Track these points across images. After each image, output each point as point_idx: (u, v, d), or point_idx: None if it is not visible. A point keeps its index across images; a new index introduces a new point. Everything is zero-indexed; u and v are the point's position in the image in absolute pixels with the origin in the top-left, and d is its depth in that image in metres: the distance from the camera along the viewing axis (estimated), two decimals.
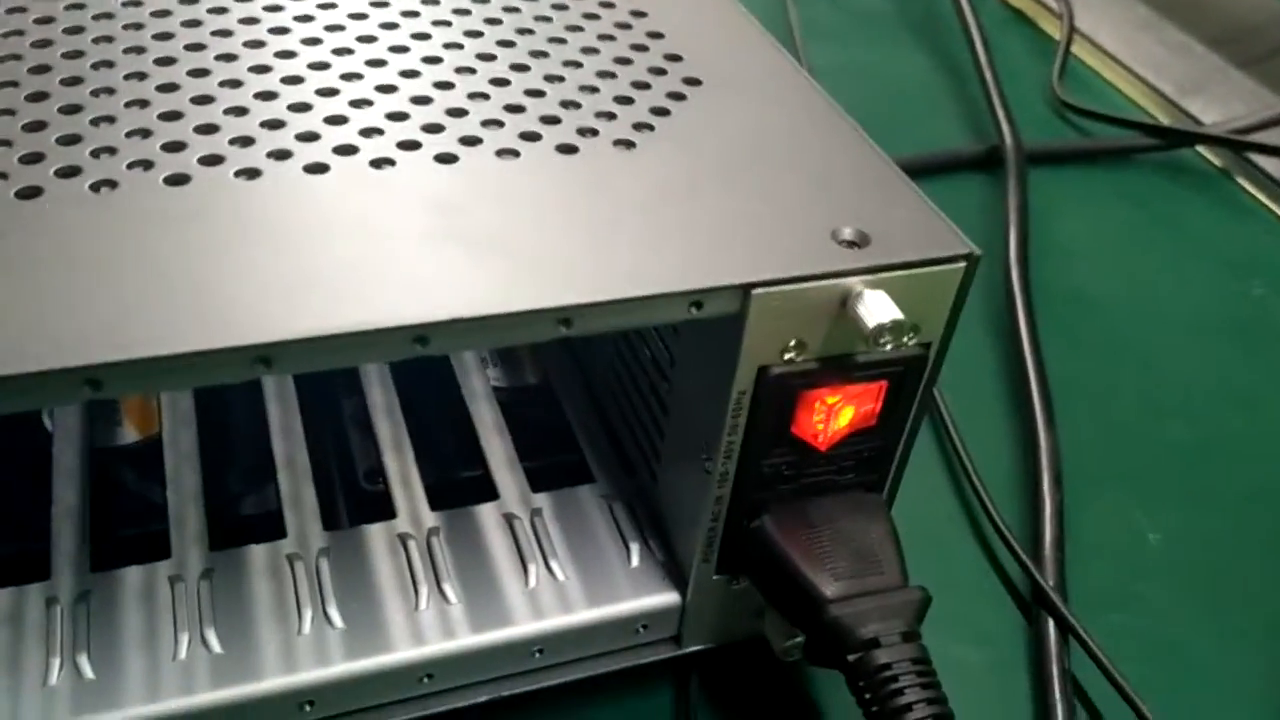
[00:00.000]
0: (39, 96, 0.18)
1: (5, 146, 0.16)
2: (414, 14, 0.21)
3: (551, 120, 0.18)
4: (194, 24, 0.20)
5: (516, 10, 0.22)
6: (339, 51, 0.20)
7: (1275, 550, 0.25)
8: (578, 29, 0.21)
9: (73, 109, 0.17)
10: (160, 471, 0.20)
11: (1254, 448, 0.27)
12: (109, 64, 0.19)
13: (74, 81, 0.18)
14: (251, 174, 0.16)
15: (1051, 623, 0.22)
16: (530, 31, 0.21)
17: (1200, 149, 0.38)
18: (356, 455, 0.22)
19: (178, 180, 0.16)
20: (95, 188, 0.16)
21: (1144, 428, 0.28)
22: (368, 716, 0.18)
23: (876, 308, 0.16)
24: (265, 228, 0.15)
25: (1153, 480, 0.26)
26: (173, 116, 0.17)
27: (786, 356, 0.16)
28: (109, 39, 0.19)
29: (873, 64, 0.41)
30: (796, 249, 0.16)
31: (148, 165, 0.16)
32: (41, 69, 0.18)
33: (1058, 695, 0.21)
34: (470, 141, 0.18)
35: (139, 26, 0.20)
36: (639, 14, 0.22)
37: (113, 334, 0.13)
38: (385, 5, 0.21)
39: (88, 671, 0.17)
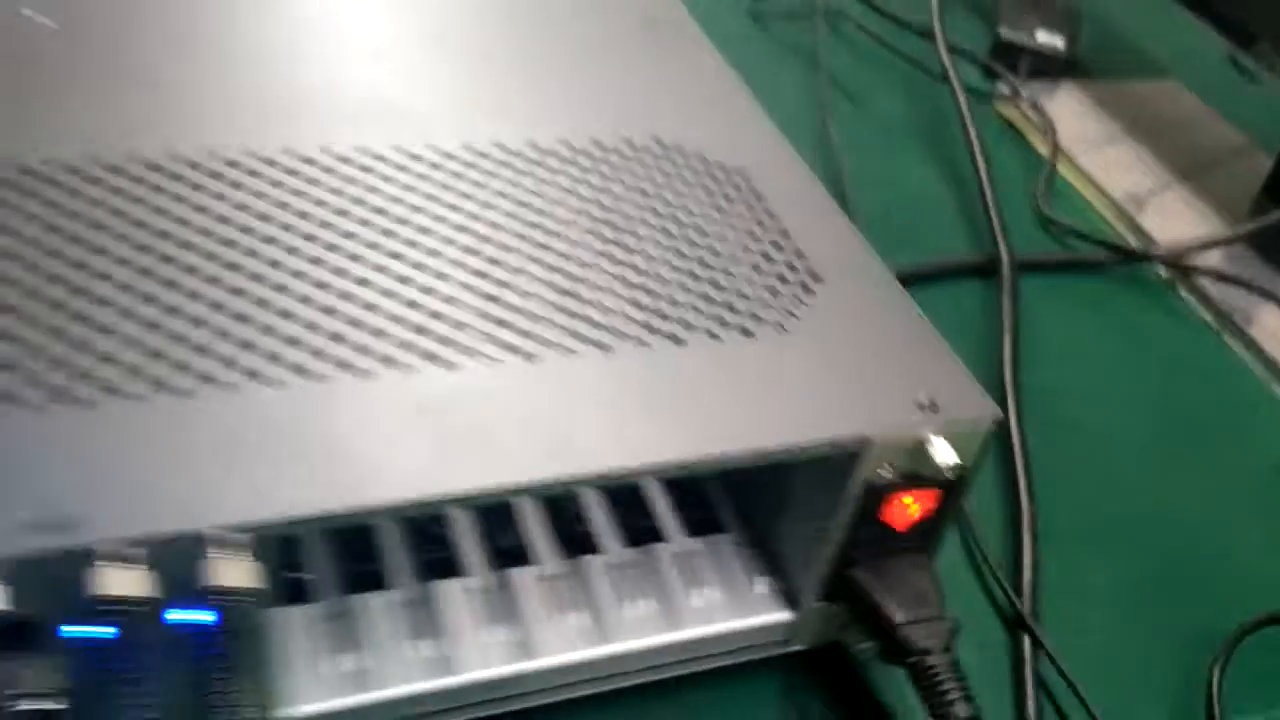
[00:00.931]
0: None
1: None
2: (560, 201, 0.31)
3: (719, 311, 0.28)
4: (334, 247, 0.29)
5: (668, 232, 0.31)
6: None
7: (1190, 583, 0.35)
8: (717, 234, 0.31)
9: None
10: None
11: (1179, 515, 0.38)
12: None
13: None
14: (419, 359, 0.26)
15: (1027, 639, 0.32)
16: (671, 237, 0.31)
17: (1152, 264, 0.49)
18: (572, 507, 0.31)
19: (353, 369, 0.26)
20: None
21: (1098, 495, 0.38)
22: (601, 683, 0.28)
23: (943, 452, 0.26)
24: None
25: (1102, 538, 0.37)
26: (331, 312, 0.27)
27: (881, 473, 0.26)
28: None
29: (888, 174, 0.51)
30: (897, 411, 0.26)
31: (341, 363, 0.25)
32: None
33: (1030, 694, 0.31)
34: (649, 329, 0.27)
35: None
36: (762, 201, 0.32)
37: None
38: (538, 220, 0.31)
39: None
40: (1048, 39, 0.58)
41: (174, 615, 0.21)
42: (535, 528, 0.30)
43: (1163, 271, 0.49)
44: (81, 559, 0.20)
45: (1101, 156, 0.55)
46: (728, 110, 0.36)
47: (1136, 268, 0.49)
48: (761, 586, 0.30)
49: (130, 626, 0.20)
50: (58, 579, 0.20)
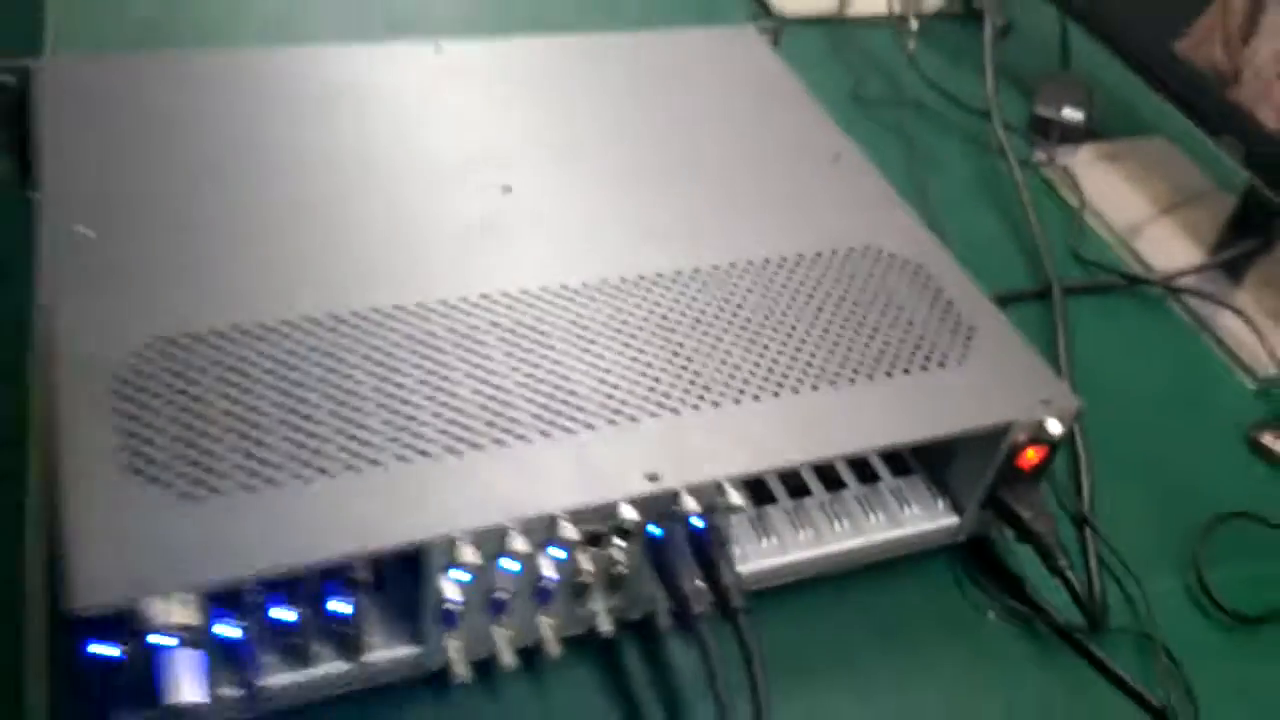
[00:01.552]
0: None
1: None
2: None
3: (925, 353, 0.50)
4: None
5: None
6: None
7: (1183, 494, 0.57)
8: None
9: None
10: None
11: (1172, 452, 0.60)
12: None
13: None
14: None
15: (1089, 530, 0.54)
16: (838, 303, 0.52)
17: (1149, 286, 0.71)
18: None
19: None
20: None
21: (1120, 439, 0.60)
22: (855, 563, 0.50)
23: (1053, 426, 0.48)
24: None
25: (1124, 468, 0.59)
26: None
27: (1017, 438, 0.48)
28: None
29: (962, 221, 0.71)
30: (1027, 404, 0.48)
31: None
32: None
33: (1093, 566, 0.53)
34: (888, 369, 0.49)
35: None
36: (932, 281, 0.53)
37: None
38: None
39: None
40: (1072, 114, 0.79)
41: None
42: (811, 478, 0.52)
43: (1158, 290, 0.71)
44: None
45: (1110, 200, 0.76)
46: (899, 221, 0.57)
47: (1141, 288, 0.70)
48: (942, 504, 0.52)
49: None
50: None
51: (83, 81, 0.54)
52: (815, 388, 0.47)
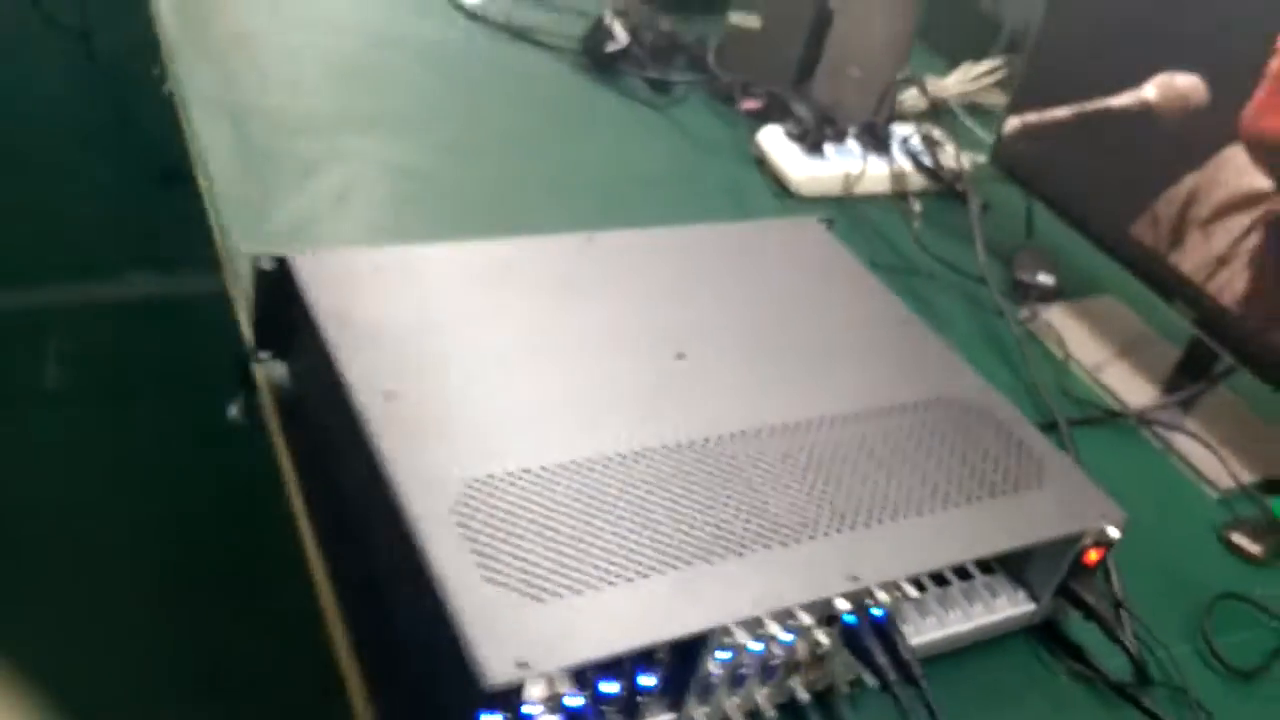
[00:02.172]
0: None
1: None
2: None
3: (1009, 485, 0.66)
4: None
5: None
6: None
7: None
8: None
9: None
10: None
11: (1150, 542, 0.77)
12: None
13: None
14: None
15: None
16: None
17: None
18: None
19: None
20: None
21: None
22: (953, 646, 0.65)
23: (1112, 532, 0.64)
24: None
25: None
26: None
27: (1084, 543, 0.64)
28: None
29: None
30: (1090, 517, 0.64)
31: None
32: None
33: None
34: (968, 496, 0.65)
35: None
36: (1004, 426, 0.69)
37: None
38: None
39: None
40: (1045, 278, 0.99)
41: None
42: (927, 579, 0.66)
43: (1132, 422, 0.89)
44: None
45: (1082, 348, 0.95)
46: (964, 374, 0.73)
47: (1119, 420, 0.89)
48: (1022, 594, 0.67)
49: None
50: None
51: (331, 270, 0.67)
52: (945, 508, 0.62)
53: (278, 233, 0.84)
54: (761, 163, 1.09)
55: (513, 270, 0.72)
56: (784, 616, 0.54)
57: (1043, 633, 0.68)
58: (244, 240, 0.82)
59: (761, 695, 0.57)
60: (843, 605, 0.56)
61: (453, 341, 0.64)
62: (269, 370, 0.71)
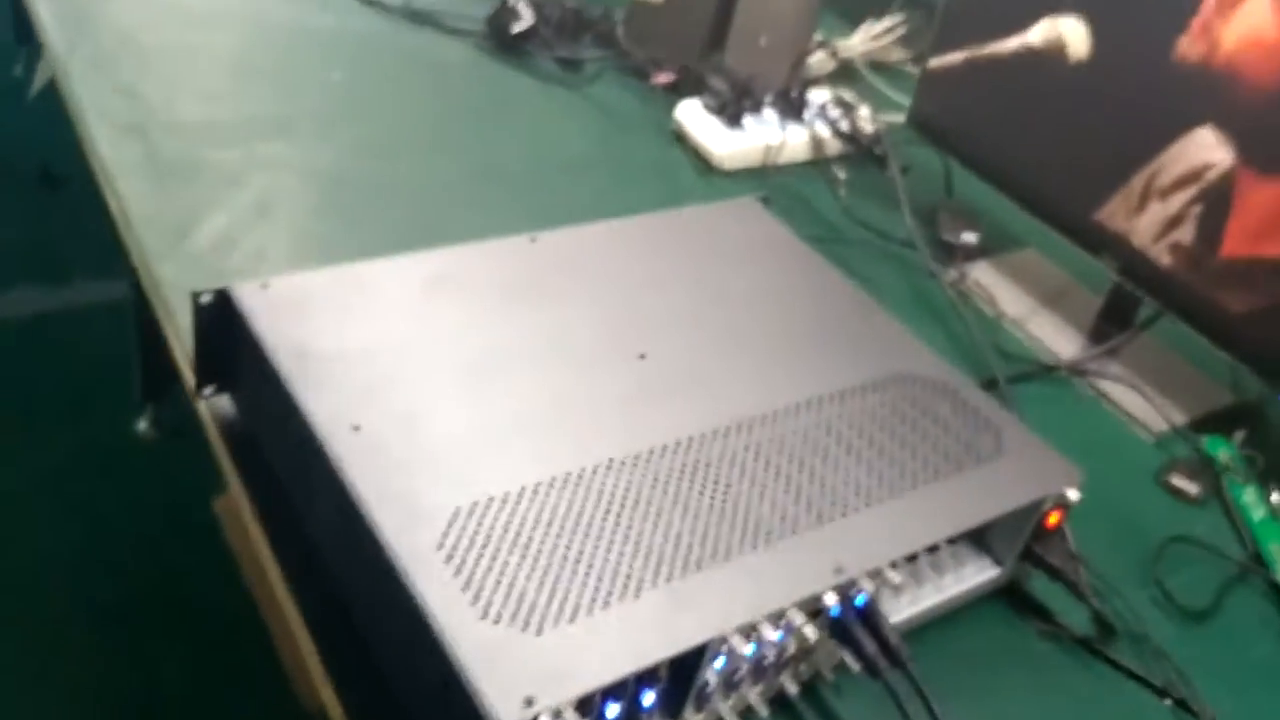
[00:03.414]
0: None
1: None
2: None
3: (968, 454, 0.67)
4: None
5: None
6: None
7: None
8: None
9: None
10: None
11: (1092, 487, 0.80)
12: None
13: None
14: None
15: None
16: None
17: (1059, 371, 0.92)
18: None
19: None
20: None
21: None
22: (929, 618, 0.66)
23: (1073, 494, 0.66)
24: None
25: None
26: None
27: (1044, 508, 0.66)
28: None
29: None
30: (1051, 483, 0.66)
31: None
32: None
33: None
34: (934, 468, 0.66)
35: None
36: (959, 395, 0.71)
37: None
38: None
39: None
40: (969, 236, 1.01)
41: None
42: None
43: (1064, 373, 0.92)
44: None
45: (1009, 304, 0.98)
46: (912, 348, 0.74)
47: (1053, 373, 0.91)
48: (985, 561, 0.69)
49: None
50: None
51: (274, 299, 0.64)
52: (915, 487, 0.63)
53: (200, 252, 0.81)
54: (682, 138, 1.09)
55: (460, 281, 0.70)
56: (776, 617, 0.55)
57: (1009, 597, 0.70)
58: (164, 263, 0.79)
59: (754, 694, 0.58)
60: (831, 599, 0.57)
61: (412, 364, 0.63)
62: (213, 406, 0.69)
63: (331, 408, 0.58)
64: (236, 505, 0.66)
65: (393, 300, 0.67)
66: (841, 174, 1.03)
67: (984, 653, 0.67)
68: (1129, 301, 0.93)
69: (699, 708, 0.56)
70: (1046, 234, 0.96)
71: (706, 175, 1.06)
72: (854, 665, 0.59)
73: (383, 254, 0.70)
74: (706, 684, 0.55)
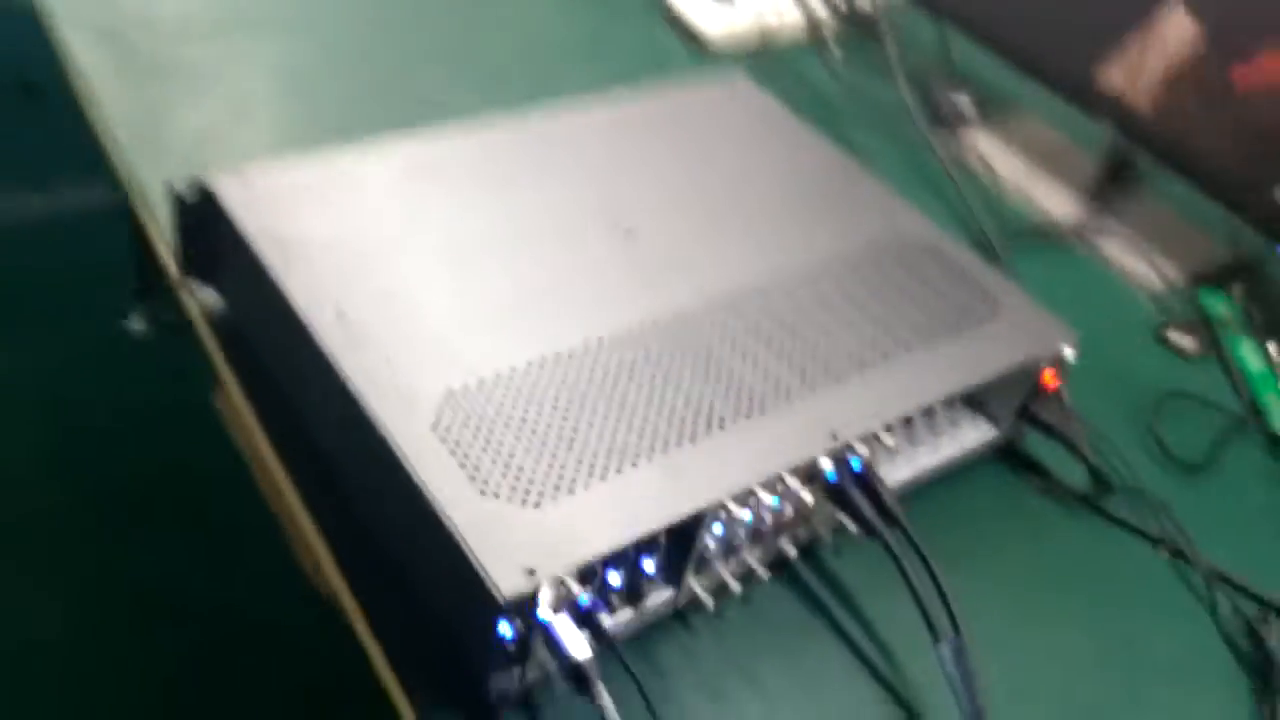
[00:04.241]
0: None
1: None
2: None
3: (964, 316, 0.67)
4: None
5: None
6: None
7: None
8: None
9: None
10: None
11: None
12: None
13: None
14: None
15: None
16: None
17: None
18: None
19: None
20: None
21: None
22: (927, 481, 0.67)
23: (1069, 354, 0.66)
24: None
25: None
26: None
27: (1042, 365, 0.66)
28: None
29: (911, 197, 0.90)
30: (1049, 342, 0.66)
31: None
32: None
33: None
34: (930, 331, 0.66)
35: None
36: (948, 259, 0.70)
37: None
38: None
39: None
40: (966, 105, 0.99)
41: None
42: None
43: (1061, 234, 0.91)
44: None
45: (1008, 169, 0.96)
46: (903, 213, 0.74)
47: (1051, 235, 0.90)
48: (981, 422, 0.69)
49: None
50: None
51: (256, 190, 0.64)
52: (909, 351, 0.63)
53: (179, 152, 0.80)
54: (674, 20, 1.06)
55: (442, 165, 0.69)
56: (772, 483, 0.55)
57: (1006, 459, 0.71)
58: (145, 165, 0.78)
59: (753, 558, 0.59)
60: (826, 464, 0.57)
61: (397, 249, 0.62)
62: (201, 301, 0.69)
63: (316, 296, 0.58)
64: (232, 398, 0.67)
65: (374, 187, 0.66)
66: (838, 51, 1.00)
67: (982, 512, 0.68)
68: (1127, 162, 0.92)
69: (698, 571, 0.57)
70: (1043, 100, 0.94)
71: (699, 59, 1.03)
72: (851, 527, 0.59)
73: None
74: (706, 549, 0.55)
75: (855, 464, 0.59)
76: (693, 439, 0.56)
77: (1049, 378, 0.67)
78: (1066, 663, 0.61)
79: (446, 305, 0.60)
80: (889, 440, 0.59)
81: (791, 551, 0.60)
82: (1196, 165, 0.83)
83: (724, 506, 0.54)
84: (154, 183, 0.76)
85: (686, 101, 0.80)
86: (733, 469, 0.55)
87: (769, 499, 0.55)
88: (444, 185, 0.68)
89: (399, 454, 0.52)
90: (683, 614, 0.58)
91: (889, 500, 0.59)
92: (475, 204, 0.67)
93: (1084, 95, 0.90)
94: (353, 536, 0.59)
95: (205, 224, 0.64)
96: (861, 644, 0.59)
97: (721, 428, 0.57)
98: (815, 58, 1.04)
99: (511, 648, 0.50)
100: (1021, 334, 0.66)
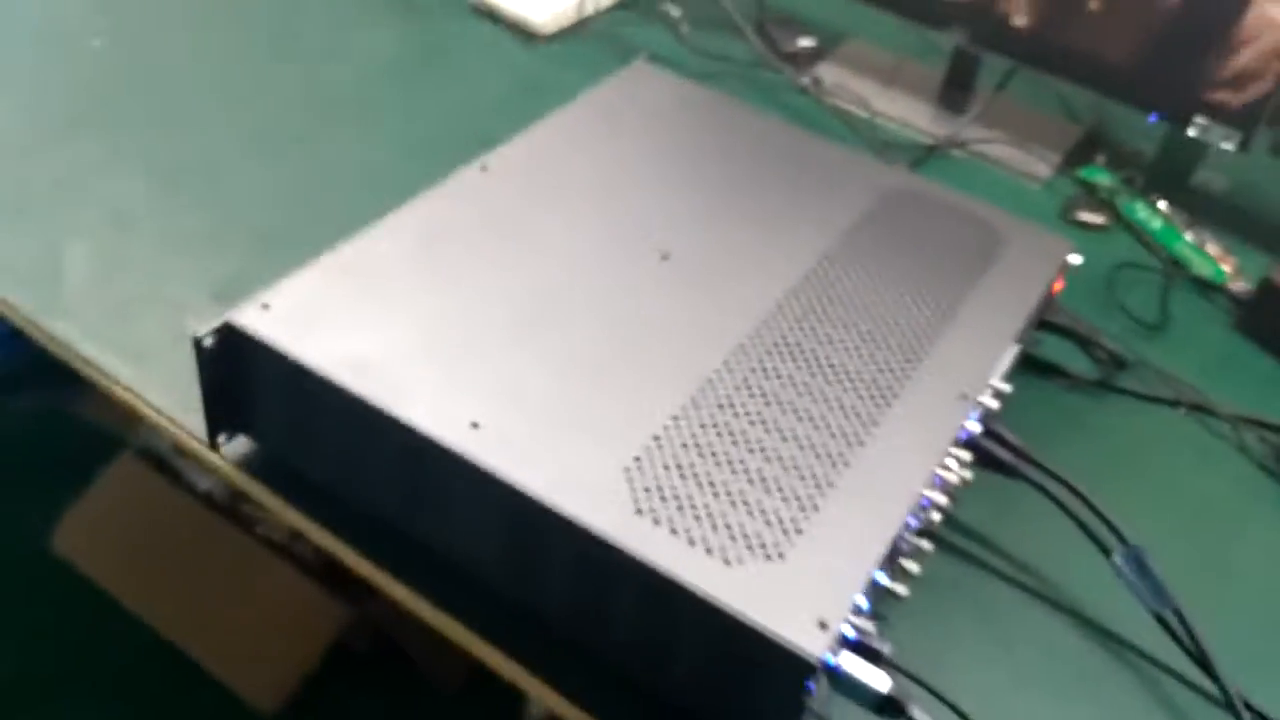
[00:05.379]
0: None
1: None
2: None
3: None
4: None
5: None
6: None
7: None
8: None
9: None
10: None
11: None
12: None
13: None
14: None
15: None
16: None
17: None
18: None
19: None
20: None
21: None
22: None
23: (1075, 259, 0.70)
24: None
25: None
26: None
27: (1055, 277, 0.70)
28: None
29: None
30: (1058, 253, 0.70)
31: None
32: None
33: None
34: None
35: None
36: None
37: None
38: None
39: None
40: (806, 41, 1.01)
41: None
42: None
43: (943, 147, 0.96)
44: None
45: (867, 95, 1.00)
46: (873, 166, 0.75)
47: (936, 151, 0.95)
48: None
49: None
50: None
51: (284, 315, 0.56)
52: (962, 302, 0.65)
53: (82, 291, 0.68)
54: (487, 12, 1.01)
55: (444, 233, 0.63)
56: (941, 460, 0.56)
57: (1026, 369, 0.75)
58: (56, 319, 0.66)
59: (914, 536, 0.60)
60: (974, 426, 0.58)
61: (463, 335, 0.57)
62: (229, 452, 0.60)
63: (435, 412, 0.52)
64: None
65: (395, 275, 0.60)
66: (674, 10, 1.00)
67: (1033, 422, 0.71)
68: (969, 67, 0.98)
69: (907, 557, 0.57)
70: (868, 25, 0.98)
71: (531, 45, 0.99)
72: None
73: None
74: (904, 539, 0.55)
75: (974, 424, 0.61)
76: (857, 448, 0.55)
77: (1057, 285, 0.72)
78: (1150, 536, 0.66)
79: (555, 382, 0.55)
80: (1007, 387, 0.61)
81: (936, 516, 0.61)
82: (1063, 60, 0.90)
83: (921, 497, 0.54)
84: (73, 334, 0.64)
85: (611, 99, 0.77)
86: (907, 459, 0.55)
87: (947, 473, 0.56)
88: (459, 254, 0.62)
89: (626, 549, 0.48)
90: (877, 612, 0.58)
91: (1018, 442, 0.61)
92: (500, 264, 0.62)
93: (928, 10, 0.95)
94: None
95: (234, 368, 0.55)
96: (1028, 582, 0.62)
97: (873, 423, 0.57)
98: (646, 23, 1.03)
99: (813, 702, 0.48)
100: (1035, 252, 0.70)
